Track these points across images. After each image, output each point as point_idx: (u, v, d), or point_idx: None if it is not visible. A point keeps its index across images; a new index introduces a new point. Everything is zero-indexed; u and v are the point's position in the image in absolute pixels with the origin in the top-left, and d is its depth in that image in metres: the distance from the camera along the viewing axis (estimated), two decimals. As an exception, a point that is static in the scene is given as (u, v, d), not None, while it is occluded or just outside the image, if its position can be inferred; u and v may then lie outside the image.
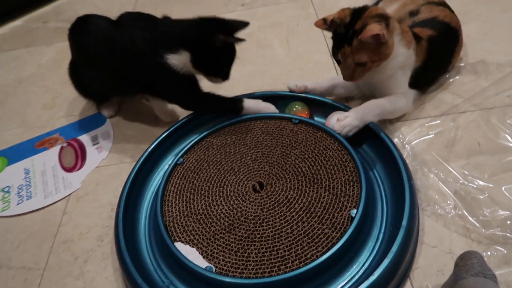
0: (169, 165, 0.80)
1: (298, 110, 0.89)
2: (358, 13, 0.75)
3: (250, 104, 0.87)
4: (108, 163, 0.93)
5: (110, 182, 0.89)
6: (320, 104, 0.90)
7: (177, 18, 0.87)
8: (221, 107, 0.89)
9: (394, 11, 0.99)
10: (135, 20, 0.88)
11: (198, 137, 0.85)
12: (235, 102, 0.88)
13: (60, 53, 1.37)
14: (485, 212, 0.68)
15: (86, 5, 1.66)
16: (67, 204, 0.86)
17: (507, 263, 0.62)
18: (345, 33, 0.75)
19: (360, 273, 0.63)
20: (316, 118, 0.91)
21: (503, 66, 0.95)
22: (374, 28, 0.70)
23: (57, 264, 0.76)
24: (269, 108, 0.89)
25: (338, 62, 0.81)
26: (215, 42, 0.80)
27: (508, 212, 0.67)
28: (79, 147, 0.98)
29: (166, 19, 0.88)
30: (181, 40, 0.82)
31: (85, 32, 0.90)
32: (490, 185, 0.72)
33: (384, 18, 0.74)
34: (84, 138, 1.00)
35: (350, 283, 0.62)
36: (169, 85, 0.86)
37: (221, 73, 0.87)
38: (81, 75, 0.99)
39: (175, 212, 0.73)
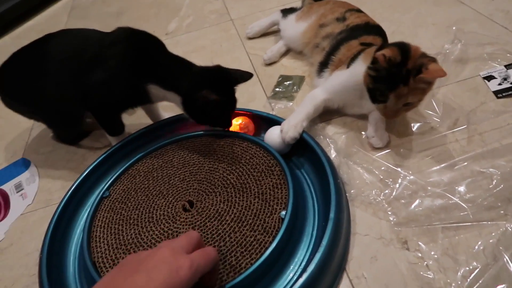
0: (94, 200, 0.77)
1: (241, 127, 0.88)
2: (405, 51, 0.71)
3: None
4: (34, 208, 0.88)
5: (37, 227, 0.83)
6: (265, 119, 0.88)
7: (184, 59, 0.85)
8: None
9: (314, 21, 1.03)
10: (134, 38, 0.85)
11: (124, 167, 0.82)
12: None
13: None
14: (405, 194, 0.70)
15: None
16: (-11, 259, 0.80)
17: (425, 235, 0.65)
18: (398, 72, 0.70)
19: (298, 273, 0.62)
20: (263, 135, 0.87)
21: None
22: (438, 68, 0.69)
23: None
24: None
25: (377, 101, 0.76)
26: (199, 97, 0.76)
27: (423, 194, 0.70)
28: (1, 197, 0.92)
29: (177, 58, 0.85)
30: (173, 84, 0.80)
31: (55, 39, 0.86)
32: (410, 171, 0.75)
33: (432, 57, 0.72)
34: (7, 187, 0.94)
35: (290, 284, 0.60)
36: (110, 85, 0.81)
37: (212, 123, 0.83)
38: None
39: (104, 247, 0.69)
